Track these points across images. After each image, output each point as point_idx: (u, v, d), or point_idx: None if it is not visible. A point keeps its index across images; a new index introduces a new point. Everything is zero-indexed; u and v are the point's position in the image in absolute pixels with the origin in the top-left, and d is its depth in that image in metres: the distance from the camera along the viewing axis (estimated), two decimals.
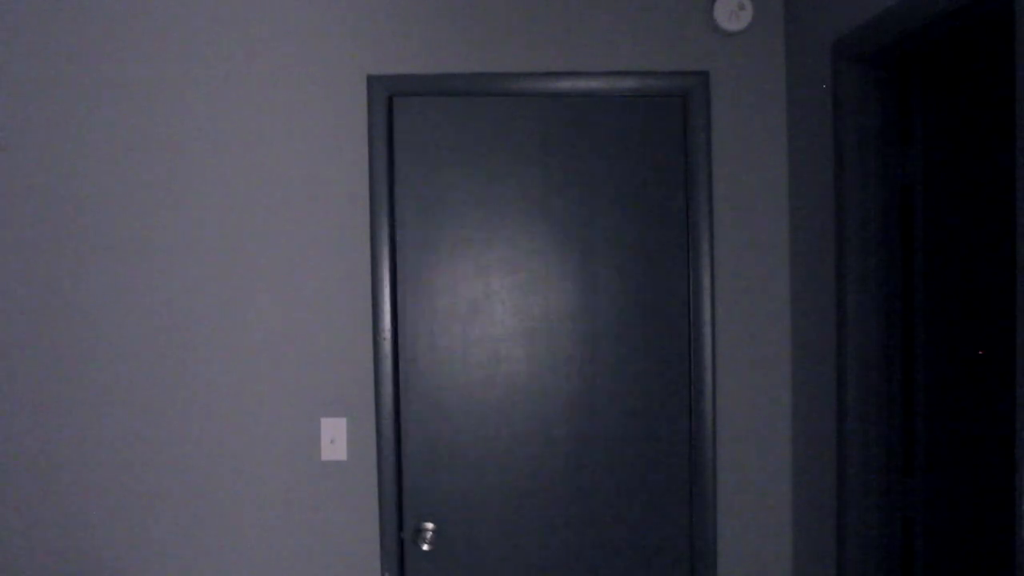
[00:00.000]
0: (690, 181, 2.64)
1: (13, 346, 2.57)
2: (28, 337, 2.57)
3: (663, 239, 2.63)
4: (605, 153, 2.62)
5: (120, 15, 2.57)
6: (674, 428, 2.63)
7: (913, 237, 2.32)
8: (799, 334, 2.60)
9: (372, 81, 2.59)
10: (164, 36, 2.57)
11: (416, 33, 2.60)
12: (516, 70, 2.61)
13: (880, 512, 2.31)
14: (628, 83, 2.63)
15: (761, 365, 2.66)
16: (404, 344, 2.60)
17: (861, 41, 2.19)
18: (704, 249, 2.64)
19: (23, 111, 2.56)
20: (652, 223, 2.63)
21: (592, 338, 2.60)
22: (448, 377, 2.59)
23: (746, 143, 2.65)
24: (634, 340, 2.62)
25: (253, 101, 2.59)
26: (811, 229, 2.51)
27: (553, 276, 2.60)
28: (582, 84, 2.62)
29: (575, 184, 2.59)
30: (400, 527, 2.60)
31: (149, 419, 2.58)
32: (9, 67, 2.56)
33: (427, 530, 2.56)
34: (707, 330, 2.64)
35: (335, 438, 2.59)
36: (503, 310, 2.59)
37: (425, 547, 2.53)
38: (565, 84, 2.62)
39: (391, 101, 2.59)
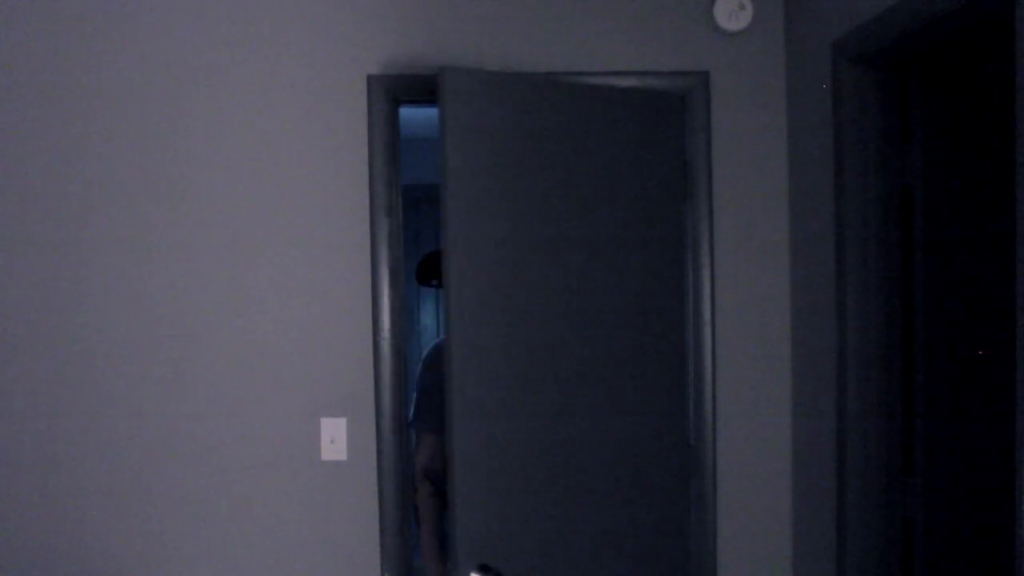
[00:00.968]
0: (690, 181, 2.65)
1: (13, 346, 2.57)
2: (28, 337, 2.57)
3: (663, 239, 2.63)
4: (604, 152, 2.62)
5: (120, 14, 2.57)
6: (674, 428, 2.63)
7: (913, 237, 2.32)
8: (799, 334, 2.61)
9: (372, 81, 2.59)
10: (164, 35, 2.57)
11: (417, 33, 2.60)
12: (516, 70, 2.61)
13: (880, 512, 2.31)
14: (628, 82, 2.63)
15: (761, 365, 2.66)
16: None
17: (861, 41, 2.19)
18: (704, 249, 2.64)
19: (23, 111, 2.56)
20: (652, 223, 2.63)
21: (591, 338, 2.60)
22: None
23: (746, 143, 2.65)
24: (633, 340, 2.62)
25: (253, 102, 2.59)
26: (811, 229, 2.51)
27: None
28: (582, 83, 2.62)
29: (574, 183, 2.59)
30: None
31: (149, 419, 2.58)
32: (9, 66, 2.56)
33: None
34: (707, 330, 2.64)
35: (335, 438, 2.60)
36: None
37: None
38: (565, 83, 2.61)
39: (440, 78, 2.32)
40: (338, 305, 2.60)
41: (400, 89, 2.60)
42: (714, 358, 2.64)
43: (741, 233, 2.65)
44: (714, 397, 2.64)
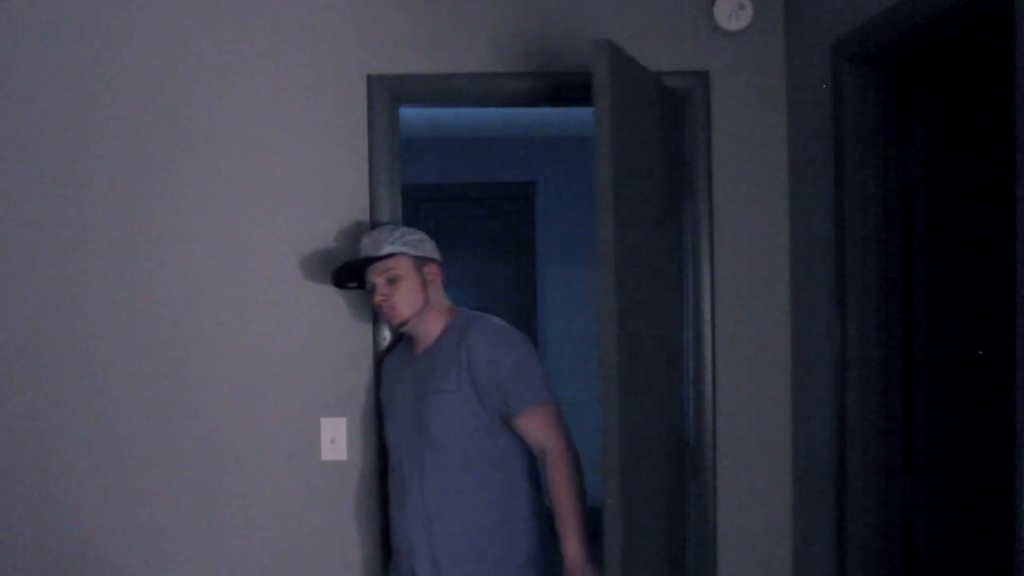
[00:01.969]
0: (690, 181, 2.64)
1: (13, 346, 2.57)
2: (28, 337, 2.57)
3: (663, 239, 2.63)
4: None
5: (120, 14, 2.56)
6: (674, 428, 2.63)
7: (913, 237, 2.32)
8: (799, 334, 2.60)
9: (372, 81, 2.59)
10: (164, 35, 2.57)
11: (417, 33, 2.60)
12: (516, 70, 2.61)
13: (880, 512, 2.31)
14: None
15: (761, 365, 2.65)
16: None
17: (861, 41, 2.18)
18: (704, 249, 2.64)
19: (23, 111, 2.56)
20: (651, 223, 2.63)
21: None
22: None
23: (746, 143, 2.65)
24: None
25: (253, 102, 2.59)
26: (811, 229, 2.51)
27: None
28: (582, 83, 2.62)
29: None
30: None
31: (149, 419, 2.58)
32: (10, 66, 2.55)
33: None
34: (707, 330, 2.63)
35: (335, 438, 2.59)
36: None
37: None
38: (565, 83, 2.61)
39: None
40: (338, 305, 2.60)
41: (400, 89, 2.60)
42: (714, 358, 2.64)
43: (741, 233, 2.65)
44: (714, 397, 2.64)
